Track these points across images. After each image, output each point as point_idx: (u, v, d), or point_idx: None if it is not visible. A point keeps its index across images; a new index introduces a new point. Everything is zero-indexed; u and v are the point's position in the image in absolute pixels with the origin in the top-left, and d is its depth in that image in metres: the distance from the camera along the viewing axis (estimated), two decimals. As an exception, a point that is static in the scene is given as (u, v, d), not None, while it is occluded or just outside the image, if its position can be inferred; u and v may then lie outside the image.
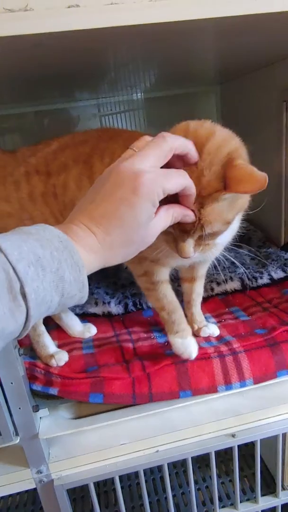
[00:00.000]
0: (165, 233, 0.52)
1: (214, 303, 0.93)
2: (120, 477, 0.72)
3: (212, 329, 0.79)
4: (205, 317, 0.84)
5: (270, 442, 0.79)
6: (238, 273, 0.97)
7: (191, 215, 0.48)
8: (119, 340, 0.81)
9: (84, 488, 0.96)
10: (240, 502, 0.84)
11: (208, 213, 0.48)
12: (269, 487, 0.94)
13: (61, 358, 0.74)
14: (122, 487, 0.74)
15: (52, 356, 0.74)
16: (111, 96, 1.38)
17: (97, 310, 0.93)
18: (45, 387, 0.69)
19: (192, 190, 0.46)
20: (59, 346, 0.80)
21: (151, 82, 1.21)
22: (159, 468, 0.95)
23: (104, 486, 1.07)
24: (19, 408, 0.64)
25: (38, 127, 1.40)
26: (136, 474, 0.74)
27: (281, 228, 1.17)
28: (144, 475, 0.74)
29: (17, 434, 0.66)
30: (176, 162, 0.47)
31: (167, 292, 0.71)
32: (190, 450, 0.71)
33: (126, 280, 1.02)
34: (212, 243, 0.54)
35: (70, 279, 0.36)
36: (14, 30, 0.46)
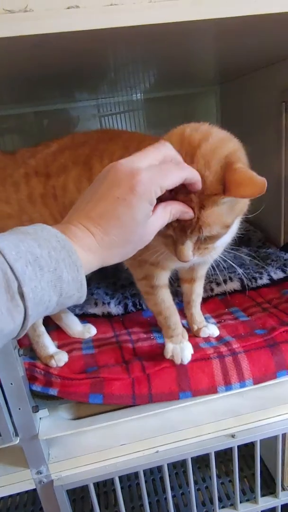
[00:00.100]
0: (164, 236, 0.52)
1: (213, 303, 0.93)
2: (120, 478, 0.72)
3: (212, 330, 0.79)
4: (205, 318, 0.84)
5: (270, 443, 0.79)
6: (238, 274, 0.97)
7: (190, 212, 0.47)
8: (119, 341, 0.81)
9: (84, 489, 0.96)
10: (240, 502, 0.84)
11: (207, 215, 0.48)
12: (269, 488, 0.94)
13: (61, 358, 0.74)
14: (122, 488, 0.74)
15: (51, 356, 0.74)
16: (111, 97, 1.38)
17: (97, 310, 0.93)
18: (45, 387, 0.69)
19: (195, 177, 0.45)
20: (59, 347, 0.80)
21: (151, 82, 1.21)
22: (159, 468, 0.95)
23: (104, 487, 1.07)
24: (19, 409, 0.64)
25: (38, 127, 1.40)
26: (136, 474, 0.74)
27: (280, 229, 1.17)
28: (144, 476, 0.74)
29: (17, 435, 0.66)
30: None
31: (165, 297, 0.72)
32: (190, 451, 0.71)
33: (126, 280, 1.02)
34: (211, 247, 0.54)
35: (68, 278, 0.36)
36: (14, 30, 0.46)
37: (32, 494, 1.10)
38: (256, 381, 0.70)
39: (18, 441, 0.66)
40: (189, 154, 0.47)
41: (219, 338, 0.78)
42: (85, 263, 0.38)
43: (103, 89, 1.24)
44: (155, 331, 0.83)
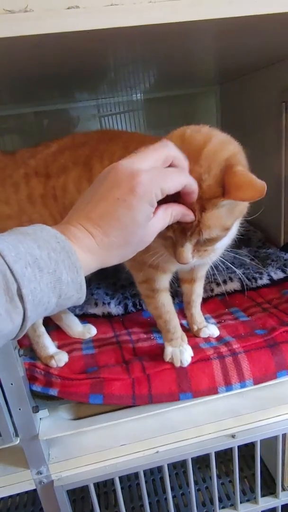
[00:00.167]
0: (164, 238, 0.52)
1: (214, 303, 0.93)
2: (120, 478, 0.72)
3: (212, 330, 0.79)
4: (205, 318, 0.84)
5: (270, 443, 0.79)
6: (238, 274, 0.97)
7: (190, 215, 0.47)
8: (119, 341, 0.81)
9: (84, 489, 0.96)
10: (240, 502, 0.84)
11: (207, 218, 0.48)
12: (269, 488, 0.94)
13: (61, 358, 0.74)
14: (122, 488, 0.74)
15: (52, 357, 0.74)
16: (111, 97, 1.38)
17: (97, 310, 0.93)
18: (45, 388, 0.69)
19: (193, 187, 0.45)
20: (59, 347, 0.80)
21: (151, 82, 1.21)
22: (159, 469, 0.95)
23: (104, 487, 1.07)
24: (19, 409, 0.64)
25: (38, 127, 1.40)
26: (136, 475, 0.74)
27: (280, 229, 1.17)
28: (144, 476, 0.74)
29: (17, 435, 0.66)
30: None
31: (166, 301, 0.72)
32: (190, 451, 0.71)
33: (126, 280, 1.02)
34: (211, 249, 0.54)
35: (68, 280, 0.35)
36: (14, 31, 0.46)
37: (32, 495, 1.10)
38: (256, 381, 0.70)
39: (18, 441, 0.66)
40: (192, 156, 0.47)
41: (219, 339, 0.78)
42: (84, 264, 0.37)
43: (103, 89, 1.24)
44: (155, 332, 0.82)
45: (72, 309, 0.90)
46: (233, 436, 0.72)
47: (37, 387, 0.69)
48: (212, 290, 0.95)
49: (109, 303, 0.94)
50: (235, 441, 0.72)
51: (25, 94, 1.09)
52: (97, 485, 0.80)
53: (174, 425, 0.72)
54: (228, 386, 0.69)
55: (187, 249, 0.52)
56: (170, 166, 0.45)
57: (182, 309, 0.85)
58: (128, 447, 0.70)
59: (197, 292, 0.80)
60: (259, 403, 0.73)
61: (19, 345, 0.62)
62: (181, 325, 0.83)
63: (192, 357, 0.72)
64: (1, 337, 0.32)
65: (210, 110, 1.48)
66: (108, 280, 1.05)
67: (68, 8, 0.47)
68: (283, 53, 0.91)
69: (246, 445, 0.75)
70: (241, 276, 0.95)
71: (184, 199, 0.46)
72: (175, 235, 0.51)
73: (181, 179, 0.44)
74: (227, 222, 0.51)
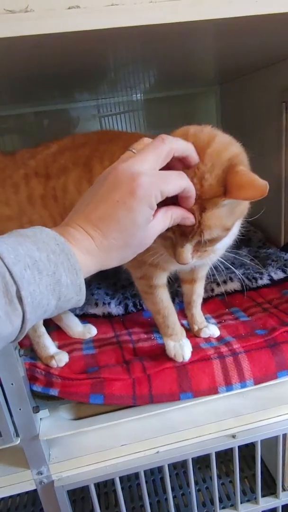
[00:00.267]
0: (164, 238, 0.52)
1: (214, 303, 0.93)
2: (121, 478, 0.72)
3: (212, 330, 0.79)
4: (205, 318, 0.84)
5: (270, 443, 0.79)
6: (238, 274, 0.97)
7: (191, 218, 0.47)
8: (120, 341, 0.81)
9: (84, 489, 0.96)
10: (241, 503, 0.84)
11: (208, 218, 0.48)
12: (270, 488, 0.94)
13: (61, 359, 0.74)
14: (122, 488, 0.74)
15: (52, 357, 0.74)
16: (111, 97, 1.38)
17: (97, 311, 0.93)
18: (46, 388, 0.69)
19: (192, 192, 0.46)
20: (59, 347, 0.80)
21: (151, 83, 1.21)
22: (160, 469, 0.95)
23: (105, 487, 1.07)
24: (20, 409, 0.64)
25: (38, 128, 1.40)
26: (137, 475, 0.74)
27: (281, 229, 1.17)
28: (145, 476, 0.74)
29: (17, 435, 0.66)
30: (177, 164, 0.46)
31: (163, 296, 0.72)
32: (191, 451, 0.71)
33: (126, 281, 1.02)
34: (211, 250, 0.54)
35: (67, 282, 0.35)
36: (15, 31, 0.46)
37: (32, 495, 1.10)
38: (257, 382, 0.70)
39: (18, 441, 0.66)
40: (198, 152, 0.47)
41: (219, 339, 0.78)
42: (83, 266, 0.37)
43: (103, 90, 1.24)
44: (155, 332, 0.82)
45: (73, 309, 0.90)
46: (233, 436, 0.72)
47: (38, 387, 0.69)
48: (212, 290, 0.95)
49: (109, 303, 0.94)
50: (235, 441, 0.72)
51: (25, 94, 1.09)
52: (97, 485, 0.80)
53: (175, 425, 0.72)
54: (229, 386, 0.69)
55: (187, 250, 0.51)
56: (176, 158, 0.44)
57: (182, 309, 0.85)
58: (129, 447, 0.70)
59: (198, 292, 0.80)
60: (260, 403, 0.73)
61: (19, 345, 0.62)
62: (182, 325, 0.83)
63: (192, 356, 0.72)
64: (1, 339, 0.32)
65: (210, 110, 1.48)
66: (109, 280, 1.05)
67: (69, 8, 0.47)
68: (283, 53, 0.91)
69: (246, 445, 0.75)
70: (241, 277, 0.95)
71: (181, 202, 0.46)
72: (175, 236, 0.51)
73: (181, 182, 0.44)
74: (227, 222, 0.51)
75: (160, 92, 1.41)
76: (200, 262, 0.61)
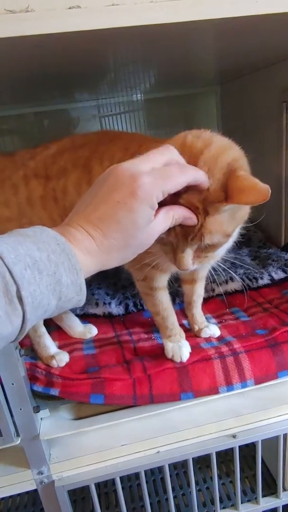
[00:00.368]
0: (164, 243, 0.52)
1: (214, 303, 0.93)
2: (121, 478, 0.72)
3: (213, 330, 0.79)
4: (206, 318, 0.84)
5: (271, 443, 0.79)
6: (239, 274, 0.97)
7: (193, 218, 0.47)
8: (120, 341, 0.81)
9: (84, 489, 0.96)
10: (241, 503, 0.84)
11: (210, 223, 0.48)
12: (270, 488, 0.94)
13: (62, 359, 0.74)
14: (122, 488, 0.74)
15: (53, 357, 0.74)
16: (111, 97, 1.38)
17: (98, 311, 0.93)
18: (46, 388, 0.69)
19: (200, 179, 0.45)
20: (60, 347, 0.80)
21: (151, 83, 1.21)
22: (160, 469, 0.95)
23: (105, 487, 1.07)
24: (20, 409, 0.64)
25: (38, 128, 1.40)
26: (137, 475, 0.74)
27: (281, 229, 1.17)
28: (145, 476, 0.74)
29: (18, 435, 0.66)
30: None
31: (163, 298, 0.73)
32: (191, 451, 0.71)
33: (127, 281, 1.02)
34: (211, 255, 0.54)
35: (68, 282, 0.35)
36: (15, 31, 0.46)
37: (32, 495, 1.10)
38: (258, 381, 0.70)
39: (19, 441, 0.66)
40: (192, 161, 0.47)
41: (220, 338, 0.78)
42: (84, 267, 0.37)
43: (103, 90, 1.24)
44: (156, 331, 0.82)
45: (73, 309, 0.90)
46: (234, 436, 0.72)
47: (38, 387, 0.69)
48: (213, 290, 0.95)
49: (109, 303, 0.94)
50: (236, 441, 0.72)
51: (25, 94, 1.09)
52: (98, 485, 0.80)
53: (175, 425, 0.72)
54: (229, 386, 0.69)
55: (188, 255, 0.51)
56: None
57: (183, 309, 0.85)
58: (129, 447, 0.70)
59: (198, 293, 0.80)
60: (260, 403, 0.73)
61: (20, 345, 0.62)
62: (182, 325, 0.83)
63: (192, 356, 0.72)
64: (1, 339, 0.32)
65: (210, 110, 1.48)
66: (109, 280, 1.05)
67: (69, 8, 0.47)
68: (283, 53, 0.91)
69: (247, 445, 0.75)
70: (239, 280, 0.95)
71: (196, 189, 0.46)
72: (176, 239, 0.51)
73: (183, 177, 0.43)
74: (228, 229, 0.51)
75: (160, 92, 1.41)
76: (200, 266, 0.61)
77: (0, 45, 0.50)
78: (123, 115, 1.43)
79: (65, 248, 0.36)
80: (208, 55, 0.88)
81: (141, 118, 1.44)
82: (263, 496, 0.85)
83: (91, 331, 0.85)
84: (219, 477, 1.06)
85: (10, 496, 1.08)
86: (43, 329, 0.77)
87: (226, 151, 0.49)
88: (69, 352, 0.77)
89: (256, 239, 1.22)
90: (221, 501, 0.97)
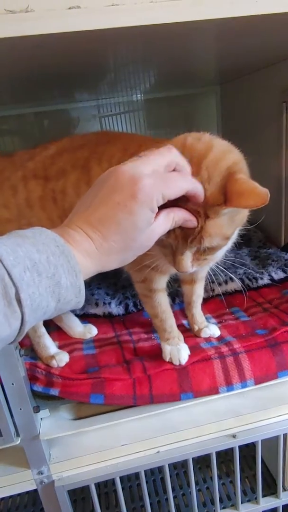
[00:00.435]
0: (163, 245, 0.52)
1: (214, 303, 0.93)
2: (121, 478, 0.72)
3: (213, 330, 0.79)
4: (206, 318, 0.84)
5: (271, 443, 0.79)
6: (239, 273, 0.97)
7: (193, 220, 0.47)
8: (120, 341, 0.81)
9: (84, 489, 0.96)
10: (241, 503, 0.84)
11: (209, 226, 0.48)
12: (270, 488, 0.94)
13: (62, 359, 0.74)
14: (122, 488, 0.74)
15: (52, 357, 0.74)
16: (111, 97, 1.39)
17: (98, 311, 0.93)
18: (46, 388, 0.69)
19: (197, 191, 0.45)
20: (59, 347, 0.80)
21: (151, 83, 1.21)
22: (160, 469, 0.95)
23: (105, 487, 1.07)
24: (20, 409, 0.64)
25: (38, 128, 1.40)
26: (137, 475, 0.74)
27: (281, 229, 1.17)
28: (145, 476, 0.74)
29: (18, 435, 0.66)
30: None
31: (162, 300, 0.72)
32: (191, 451, 0.71)
33: (127, 281, 1.02)
34: (210, 258, 0.54)
35: (67, 284, 0.35)
36: (15, 31, 0.46)
37: (32, 495, 1.10)
38: (257, 381, 0.70)
39: (19, 441, 0.66)
40: (194, 164, 0.47)
41: (220, 338, 0.78)
42: (83, 268, 0.37)
43: (103, 90, 1.24)
44: (156, 332, 0.82)
45: (73, 310, 0.90)
46: (234, 436, 0.72)
47: (38, 387, 0.69)
48: (213, 290, 0.95)
49: (109, 303, 0.94)
50: (236, 441, 0.72)
51: (25, 94, 1.09)
52: (98, 485, 0.80)
53: (175, 425, 0.72)
54: (229, 386, 0.69)
55: (187, 258, 0.51)
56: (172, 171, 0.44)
57: (182, 309, 0.85)
58: (129, 447, 0.70)
59: (198, 293, 0.80)
60: (260, 403, 0.73)
61: (20, 345, 0.62)
62: (182, 325, 0.83)
63: (192, 356, 0.72)
64: None
65: (210, 110, 1.48)
66: (109, 280, 1.05)
67: (69, 8, 0.47)
68: (283, 53, 0.91)
69: (247, 445, 0.75)
70: (237, 281, 0.95)
71: (191, 201, 0.46)
72: (176, 242, 0.51)
73: (183, 185, 0.43)
74: (228, 231, 0.51)
75: (160, 92, 1.41)
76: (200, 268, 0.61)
77: (0, 45, 0.50)
78: (123, 115, 1.42)
79: (65, 250, 0.36)
80: (208, 55, 0.88)
81: (141, 118, 1.44)
82: (263, 496, 0.85)
83: (91, 331, 0.85)
84: (219, 477, 1.06)
85: (10, 496, 1.08)
86: (43, 329, 0.77)
87: (226, 155, 0.49)
88: (69, 352, 0.77)
89: (256, 239, 1.22)
90: (221, 501, 0.97)
